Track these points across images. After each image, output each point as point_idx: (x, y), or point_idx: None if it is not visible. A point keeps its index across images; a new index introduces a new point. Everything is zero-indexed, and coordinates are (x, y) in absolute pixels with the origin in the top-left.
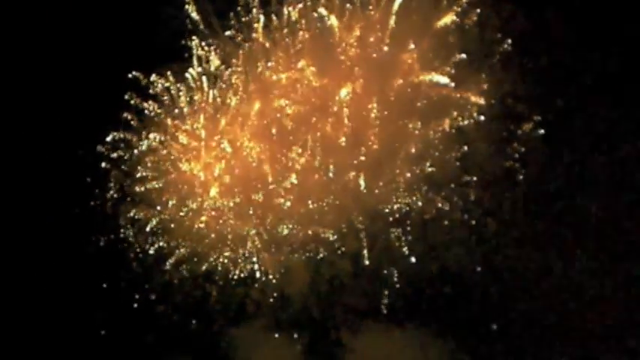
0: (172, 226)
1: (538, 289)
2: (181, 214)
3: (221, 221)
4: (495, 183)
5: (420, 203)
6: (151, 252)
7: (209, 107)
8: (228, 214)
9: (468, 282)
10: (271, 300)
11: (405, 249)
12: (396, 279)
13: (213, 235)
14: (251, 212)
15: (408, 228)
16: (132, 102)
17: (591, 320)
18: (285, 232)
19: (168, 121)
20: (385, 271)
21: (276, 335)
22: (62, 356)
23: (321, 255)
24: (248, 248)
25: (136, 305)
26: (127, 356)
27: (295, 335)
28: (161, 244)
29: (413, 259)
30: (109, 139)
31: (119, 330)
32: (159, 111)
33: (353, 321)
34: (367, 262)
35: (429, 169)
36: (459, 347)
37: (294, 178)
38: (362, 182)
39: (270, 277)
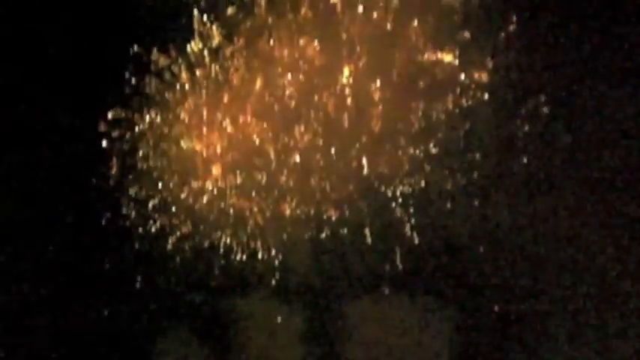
0: (174, 204)
1: (541, 263)
2: (183, 193)
3: (223, 203)
4: (499, 161)
5: (422, 183)
6: (153, 230)
7: (211, 84)
8: (230, 192)
9: (471, 256)
10: (273, 271)
11: (407, 229)
12: (398, 253)
13: (215, 213)
14: (253, 191)
15: (411, 209)
16: (133, 79)
17: (594, 294)
18: (288, 211)
19: (170, 98)
20: (388, 247)
21: (278, 305)
22: (64, 333)
23: (324, 234)
24: (250, 227)
25: (137, 281)
26: (126, 328)
27: (297, 305)
28: (162, 222)
29: (416, 241)
30: (110, 116)
31: (120, 304)
32: (160, 88)
33: (355, 291)
34: (369, 241)
35: (433, 149)
36: (462, 316)
37: (296, 157)
38: (364, 162)
39: (273, 253)
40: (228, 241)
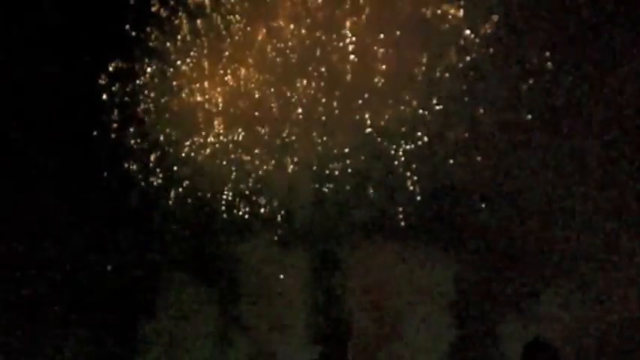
0: (176, 158)
1: (545, 213)
2: (185, 147)
3: (225, 161)
4: (504, 117)
5: (426, 138)
6: (155, 184)
7: (212, 34)
8: (232, 147)
9: (475, 206)
10: (276, 217)
11: (410, 185)
12: (401, 202)
13: (217, 167)
14: (256, 147)
15: (414, 165)
16: (133, 30)
17: (594, 239)
18: (290, 166)
19: (171, 49)
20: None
21: (281, 251)
22: (72, 283)
23: (326, 189)
24: (251, 181)
25: (141, 231)
26: (130, 275)
27: (300, 252)
28: (164, 176)
29: (418, 192)
30: (110, 69)
31: (123, 252)
32: (161, 39)
33: (358, 238)
34: (372, 194)
35: (437, 107)
36: (465, 265)
37: (299, 112)
38: (367, 118)
39: (275, 205)
40: (231, 193)
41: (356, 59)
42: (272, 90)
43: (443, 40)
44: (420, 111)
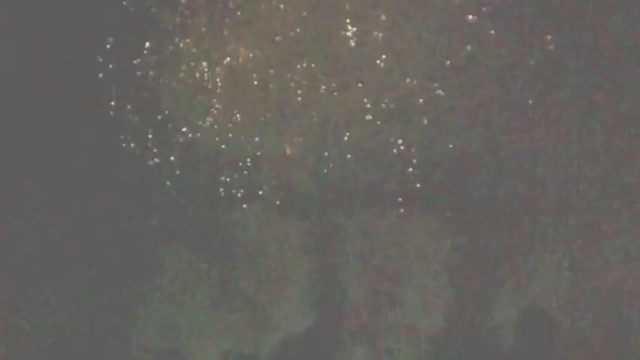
0: (174, 136)
1: (543, 183)
2: (184, 125)
3: (223, 140)
4: (506, 99)
5: (425, 121)
6: (153, 162)
7: (211, 11)
8: (230, 126)
9: (472, 172)
10: (273, 184)
11: (409, 168)
12: (400, 180)
13: (216, 146)
14: (255, 127)
15: (413, 150)
16: (130, 7)
17: (596, 212)
18: (288, 151)
19: (169, 26)
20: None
21: (277, 219)
22: (67, 255)
23: (326, 170)
24: (249, 161)
25: (138, 202)
26: (128, 243)
27: (296, 219)
28: (162, 154)
29: (419, 185)
30: (107, 46)
31: (122, 221)
32: (160, 15)
33: (355, 206)
34: (371, 174)
35: (438, 92)
36: (463, 233)
37: (299, 94)
38: (366, 102)
39: (274, 183)
40: (230, 173)
41: (356, 40)
42: (272, 70)
43: (444, 22)
44: (421, 94)
